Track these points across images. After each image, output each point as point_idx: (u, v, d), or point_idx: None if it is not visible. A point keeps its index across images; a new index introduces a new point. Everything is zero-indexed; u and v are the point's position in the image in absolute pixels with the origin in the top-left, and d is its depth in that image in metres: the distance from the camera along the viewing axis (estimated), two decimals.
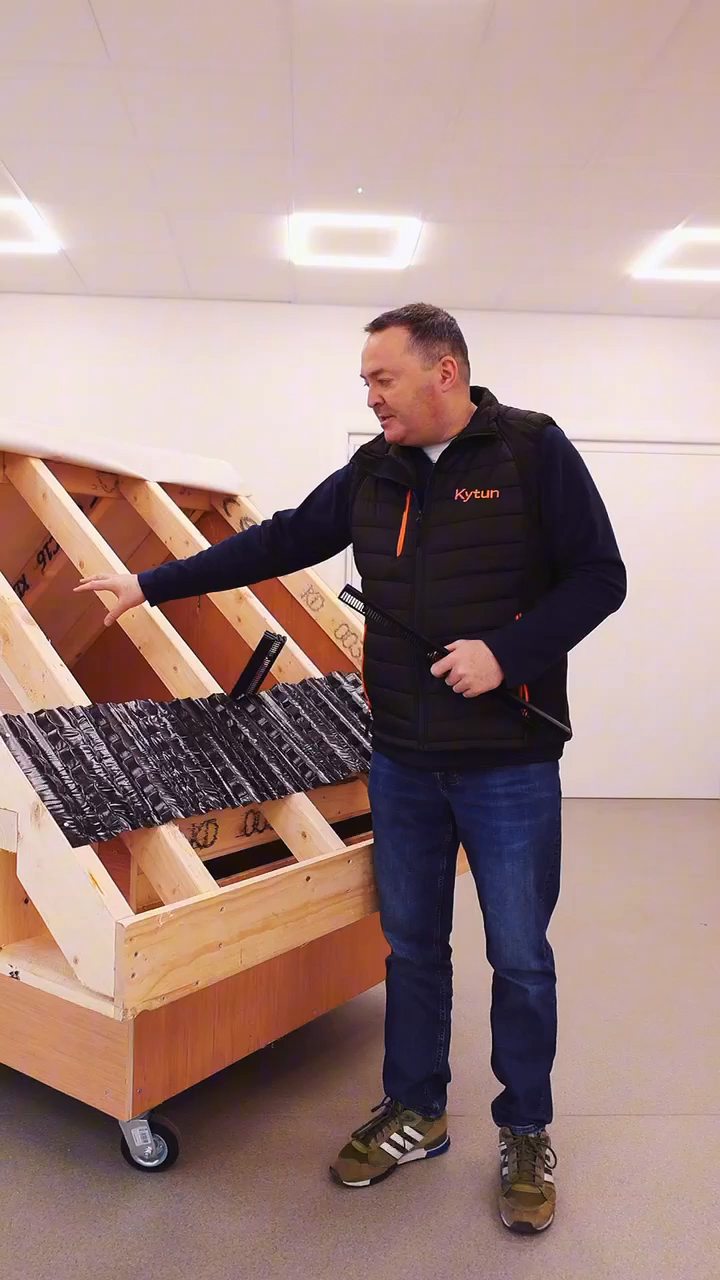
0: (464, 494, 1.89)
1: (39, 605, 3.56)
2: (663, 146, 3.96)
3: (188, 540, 2.98)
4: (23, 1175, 2.12)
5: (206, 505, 3.49)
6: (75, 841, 1.76)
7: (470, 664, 1.84)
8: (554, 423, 1.95)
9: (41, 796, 1.79)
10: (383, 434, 2.06)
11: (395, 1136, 2.17)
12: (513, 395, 5.97)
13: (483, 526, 1.87)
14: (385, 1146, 2.15)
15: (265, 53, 3.37)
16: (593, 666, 6.12)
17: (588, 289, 5.64)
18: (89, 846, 1.79)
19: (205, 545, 2.98)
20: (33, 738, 1.91)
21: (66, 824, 1.77)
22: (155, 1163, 2.14)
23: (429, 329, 1.90)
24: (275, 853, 2.52)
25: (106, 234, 4.97)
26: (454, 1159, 2.23)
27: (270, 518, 2.29)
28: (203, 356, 5.92)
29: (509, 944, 2.00)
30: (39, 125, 3.87)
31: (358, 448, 2.08)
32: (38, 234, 4.98)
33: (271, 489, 5.86)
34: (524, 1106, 2.11)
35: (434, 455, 1.97)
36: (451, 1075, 2.33)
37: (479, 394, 2.02)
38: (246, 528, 3.39)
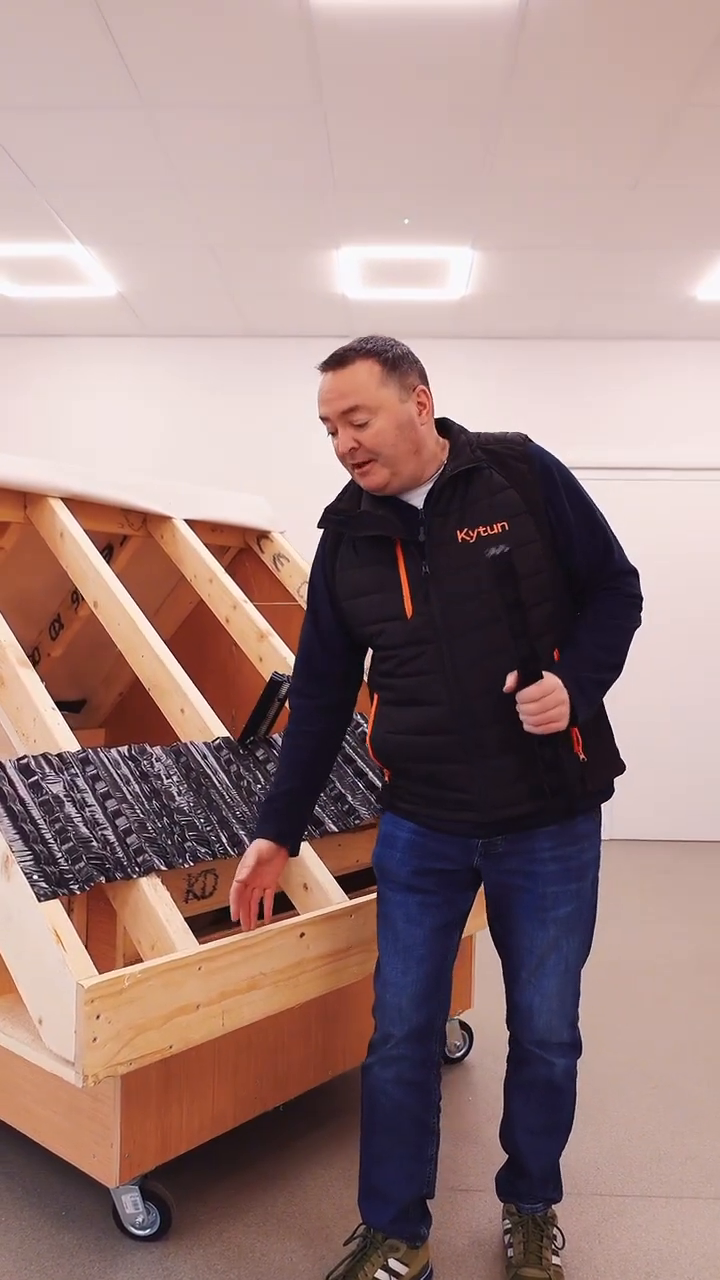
0: (467, 534, 1.72)
1: (75, 644, 3.55)
2: (714, 162, 3.81)
3: (211, 578, 2.92)
4: (11, 1239, 2.04)
5: (240, 542, 3.43)
6: (42, 895, 1.68)
7: (564, 695, 1.63)
8: (530, 439, 1.80)
9: (11, 847, 1.73)
10: (345, 491, 1.87)
11: (380, 1274, 1.85)
12: (577, 423, 5.82)
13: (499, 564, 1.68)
14: None
15: (294, 86, 3.35)
16: (643, 704, 5.89)
17: (650, 313, 5.47)
18: (58, 901, 1.71)
19: (229, 583, 2.91)
20: (12, 785, 1.85)
21: (35, 877, 1.70)
22: (147, 1231, 2.04)
23: (397, 360, 1.72)
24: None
25: (159, 274, 5.02)
26: (459, 1237, 2.07)
27: (294, 681, 1.97)
28: (261, 393, 5.93)
29: (543, 1014, 1.82)
30: (81, 169, 3.92)
31: (323, 511, 1.86)
32: (93, 277, 5.06)
33: None
34: (536, 1184, 1.94)
35: (415, 500, 1.77)
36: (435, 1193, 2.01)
37: (445, 426, 1.84)
38: (279, 564, 3.34)
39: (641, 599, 1.82)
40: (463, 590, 1.71)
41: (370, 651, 1.88)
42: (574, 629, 1.77)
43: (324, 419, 1.75)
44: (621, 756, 1.88)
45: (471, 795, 1.74)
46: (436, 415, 1.82)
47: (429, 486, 1.76)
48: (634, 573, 1.83)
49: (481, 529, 1.71)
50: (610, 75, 3.25)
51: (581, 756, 1.74)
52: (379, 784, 2.47)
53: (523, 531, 1.71)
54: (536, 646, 1.63)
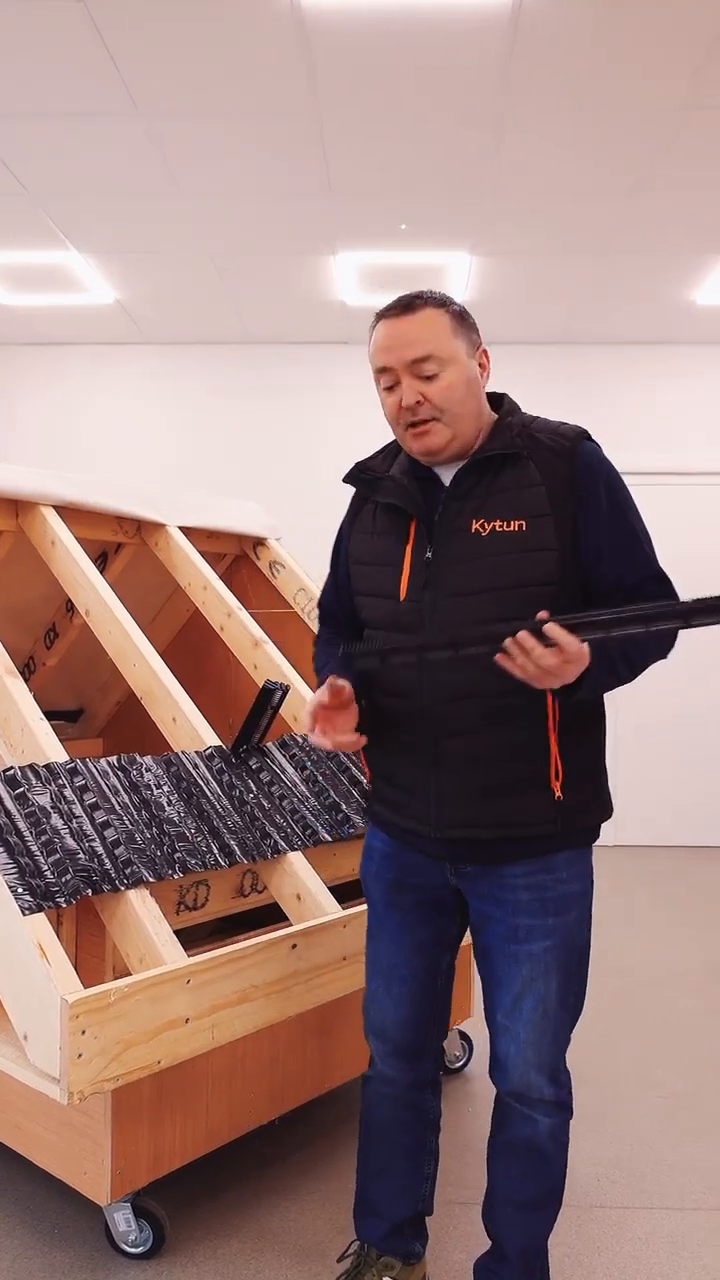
0: (483, 525, 1.55)
1: (71, 653, 3.53)
2: (713, 165, 3.78)
3: (206, 585, 2.90)
4: (3, 1259, 2.01)
5: (236, 549, 3.41)
6: (26, 909, 1.66)
7: (580, 669, 1.41)
8: (590, 437, 1.61)
9: None
10: (382, 451, 1.73)
11: None
12: None
13: (508, 565, 1.53)
14: None
15: (289, 91, 3.33)
16: (652, 708, 5.85)
17: (651, 317, 5.44)
18: (43, 915, 1.69)
19: (224, 590, 2.89)
20: None
21: (19, 890, 1.68)
22: (140, 1249, 2.01)
23: (463, 313, 1.59)
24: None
25: (157, 282, 5.01)
26: (456, 1251, 2.03)
27: (321, 621, 1.88)
28: (261, 400, 5.91)
29: (517, 1063, 1.63)
30: (76, 177, 3.91)
31: (353, 465, 1.73)
32: (91, 285, 5.05)
33: (332, 532, 5.79)
34: (516, 1269, 1.70)
35: (446, 477, 1.62)
36: (434, 1209, 1.95)
37: (498, 401, 1.68)
38: (275, 571, 3.32)
39: (675, 636, 1.61)
40: (461, 584, 1.55)
41: None
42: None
43: (382, 370, 1.58)
44: (610, 797, 1.69)
45: (420, 803, 1.61)
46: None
47: (461, 465, 1.62)
48: None
49: (498, 523, 1.55)
50: (609, 78, 3.23)
51: (558, 795, 1.57)
52: None
53: (540, 536, 1.53)
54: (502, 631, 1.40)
